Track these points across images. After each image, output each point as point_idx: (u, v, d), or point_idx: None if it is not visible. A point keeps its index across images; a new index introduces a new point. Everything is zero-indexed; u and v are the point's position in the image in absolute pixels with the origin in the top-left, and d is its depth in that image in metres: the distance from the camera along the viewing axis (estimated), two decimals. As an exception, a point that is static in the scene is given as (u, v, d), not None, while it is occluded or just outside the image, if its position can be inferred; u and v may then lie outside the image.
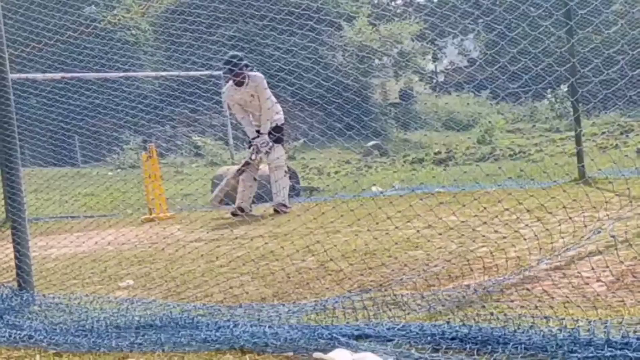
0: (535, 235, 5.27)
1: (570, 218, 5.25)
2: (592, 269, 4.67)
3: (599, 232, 5.85)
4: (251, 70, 10.73)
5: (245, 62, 10.62)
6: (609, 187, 8.48)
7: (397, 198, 9.26)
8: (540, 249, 5.31)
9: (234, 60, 10.45)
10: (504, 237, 5.68)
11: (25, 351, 4.38)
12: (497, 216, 6.21)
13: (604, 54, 4.87)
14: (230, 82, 10.84)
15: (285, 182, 10.87)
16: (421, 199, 5.29)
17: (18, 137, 5.82)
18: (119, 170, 20.22)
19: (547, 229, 5.44)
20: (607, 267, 4.67)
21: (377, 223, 6.88)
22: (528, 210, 5.70)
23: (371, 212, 6.91)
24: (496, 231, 5.95)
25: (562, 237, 5.53)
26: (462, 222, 6.16)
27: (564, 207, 4.96)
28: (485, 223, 6.00)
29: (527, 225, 5.65)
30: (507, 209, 5.62)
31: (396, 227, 6.37)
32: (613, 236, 5.50)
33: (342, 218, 7.24)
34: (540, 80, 5.32)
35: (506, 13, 4.98)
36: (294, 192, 14.03)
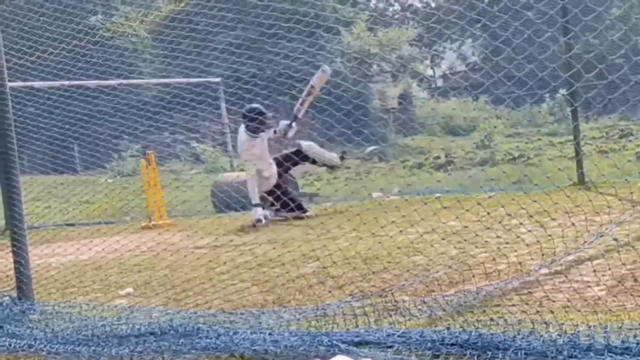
0: (538, 241, 5.26)
1: (573, 224, 5.25)
2: (594, 271, 4.67)
3: (602, 235, 5.84)
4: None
5: (264, 115, 10.76)
6: (608, 191, 8.47)
7: (400, 203, 9.25)
8: (543, 254, 5.31)
9: (253, 115, 10.59)
10: (507, 243, 5.68)
11: (25, 360, 4.38)
12: (500, 221, 6.20)
13: (606, 60, 4.88)
14: (244, 130, 10.94)
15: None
16: (425, 203, 5.29)
17: (17, 145, 5.82)
18: (118, 177, 20.21)
19: (549, 235, 5.43)
20: (610, 269, 4.67)
21: (381, 227, 6.88)
22: (531, 216, 5.70)
23: (372, 217, 6.92)
24: (498, 236, 5.94)
25: (564, 242, 5.53)
26: (465, 227, 6.16)
27: (566, 212, 4.95)
28: (488, 228, 5.99)
29: (529, 230, 5.64)
30: (509, 215, 5.62)
31: (400, 231, 6.37)
32: (615, 239, 5.50)
33: (342, 223, 7.24)
34: (539, 85, 5.33)
35: (504, 17, 4.98)
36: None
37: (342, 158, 11.93)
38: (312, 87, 10.95)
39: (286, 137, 10.95)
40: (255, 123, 10.52)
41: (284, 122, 10.95)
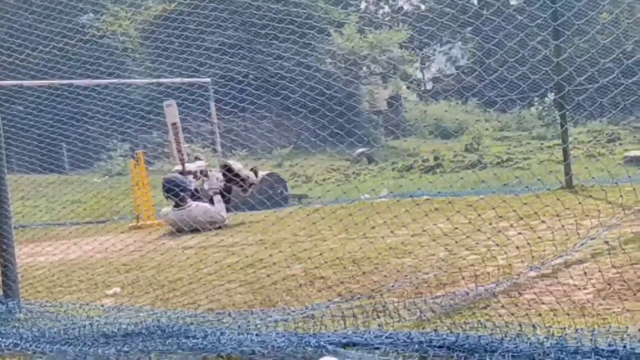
0: (528, 243, 5.28)
1: (563, 226, 5.26)
2: (585, 273, 4.68)
3: (592, 238, 5.86)
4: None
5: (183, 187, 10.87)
6: (595, 195, 8.51)
7: (390, 204, 9.24)
8: (532, 256, 5.32)
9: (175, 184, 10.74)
10: (497, 245, 5.68)
11: (10, 359, 4.34)
12: (490, 223, 6.21)
13: (597, 64, 4.89)
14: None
15: None
16: (417, 204, 5.30)
17: (5, 143, 5.78)
18: (106, 177, 20.14)
19: (539, 237, 5.44)
20: (600, 271, 4.68)
21: (372, 228, 6.88)
22: (521, 218, 5.71)
23: (361, 219, 6.91)
24: (488, 238, 5.95)
25: (554, 245, 5.54)
26: (455, 228, 6.16)
27: (556, 215, 4.96)
28: (479, 230, 5.99)
29: (519, 233, 5.65)
30: (500, 216, 5.63)
31: (391, 232, 6.36)
32: (607, 242, 5.51)
33: (332, 225, 7.22)
34: (529, 88, 5.34)
35: (496, 20, 5.00)
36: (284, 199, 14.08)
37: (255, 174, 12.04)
38: (173, 125, 11.15)
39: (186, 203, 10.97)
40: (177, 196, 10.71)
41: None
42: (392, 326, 4.06)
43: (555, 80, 5.76)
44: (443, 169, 21.92)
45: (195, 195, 11.13)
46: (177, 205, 10.78)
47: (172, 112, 11.44)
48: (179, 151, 11.40)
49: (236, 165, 11.63)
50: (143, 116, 13.06)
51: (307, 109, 6.31)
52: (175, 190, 10.63)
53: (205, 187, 11.29)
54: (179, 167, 11.53)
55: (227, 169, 11.38)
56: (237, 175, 11.39)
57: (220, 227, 10.67)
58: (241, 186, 11.54)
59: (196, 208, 10.71)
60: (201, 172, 11.68)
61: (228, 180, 11.40)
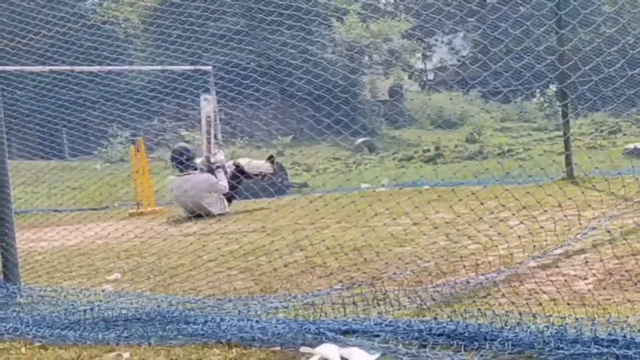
0: (530, 232, 5.28)
1: (565, 216, 5.26)
2: (586, 262, 4.68)
3: (594, 228, 5.86)
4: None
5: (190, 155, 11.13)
6: (597, 185, 8.50)
7: (391, 193, 9.25)
8: (534, 245, 5.32)
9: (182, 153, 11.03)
10: (498, 234, 5.68)
11: (10, 344, 4.34)
12: (492, 212, 6.21)
13: (600, 54, 4.87)
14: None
15: None
16: (420, 192, 5.30)
17: (5, 130, 5.78)
18: (107, 163, 20.15)
19: (541, 227, 5.44)
20: (601, 260, 4.68)
21: (375, 215, 6.86)
22: (524, 207, 5.71)
23: (362, 207, 6.91)
24: (490, 226, 5.94)
25: (556, 235, 5.54)
26: (458, 216, 6.16)
27: (558, 204, 4.96)
28: (480, 218, 5.99)
29: (521, 222, 5.65)
30: (502, 205, 5.62)
31: (394, 219, 6.36)
32: (609, 231, 5.52)
33: (333, 212, 7.22)
34: (532, 78, 5.34)
35: (499, 12, 4.98)
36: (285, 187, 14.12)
37: (272, 162, 12.18)
38: (208, 117, 11.25)
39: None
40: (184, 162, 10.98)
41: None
42: (393, 314, 4.06)
43: (560, 70, 5.75)
44: (444, 159, 21.90)
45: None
46: (181, 171, 11.01)
47: (210, 105, 11.56)
48: (209, 144, 11.48)
49: (244, 161, 11.74)
50: (146, 102, 13.05)
51: (310, 96, 6.30)
52: (180, 159, 10.86)
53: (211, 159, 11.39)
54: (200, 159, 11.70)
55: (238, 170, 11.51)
56: (248, 173, 11.53)
57: (223, 214, 10.75)
58: (258, 176, 11.71)
59: (199, 175, 10.92)
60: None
61: (241, 173, 11.49)
